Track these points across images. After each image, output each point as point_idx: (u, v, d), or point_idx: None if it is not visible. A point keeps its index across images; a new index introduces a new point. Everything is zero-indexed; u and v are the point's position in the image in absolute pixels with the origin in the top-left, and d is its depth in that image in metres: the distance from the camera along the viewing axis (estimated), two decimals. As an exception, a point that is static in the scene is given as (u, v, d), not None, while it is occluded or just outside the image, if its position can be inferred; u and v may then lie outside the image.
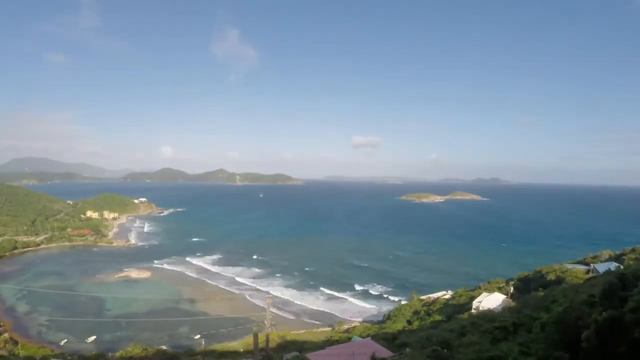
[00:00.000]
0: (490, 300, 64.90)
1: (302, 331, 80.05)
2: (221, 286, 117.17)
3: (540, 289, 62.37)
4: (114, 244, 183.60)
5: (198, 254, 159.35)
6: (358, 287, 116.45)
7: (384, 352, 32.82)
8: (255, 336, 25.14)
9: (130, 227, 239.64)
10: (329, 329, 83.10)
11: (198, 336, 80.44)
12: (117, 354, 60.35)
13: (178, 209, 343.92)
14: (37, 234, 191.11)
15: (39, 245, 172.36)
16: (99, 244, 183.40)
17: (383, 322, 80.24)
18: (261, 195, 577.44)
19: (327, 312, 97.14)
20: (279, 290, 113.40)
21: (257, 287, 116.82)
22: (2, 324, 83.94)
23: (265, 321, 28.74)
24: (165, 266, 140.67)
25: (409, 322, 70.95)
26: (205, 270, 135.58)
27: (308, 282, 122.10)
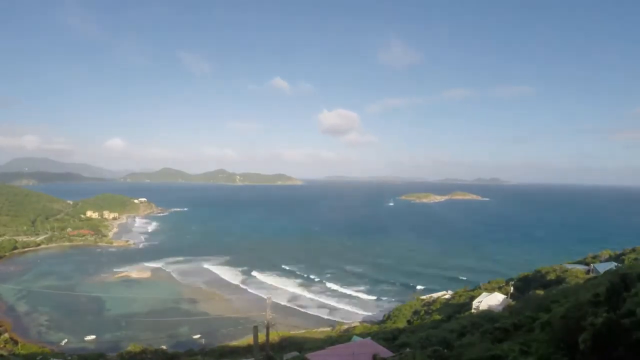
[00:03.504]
0: (490, 300, 65.03)
1: (302, 331, 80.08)
2: (221, 286, 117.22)
3: (540, 289, 62.41)
4: (114, 244, 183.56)
5: (198, 254, 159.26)
6: (359, 287, 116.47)
7: (384, 352, 32.79)
8: (256, 332, 25.09)
9: (130, 227, 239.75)
10: (329, 329, 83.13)
11: (198, 336, 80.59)
12: (117, 354, 60.34)
13: (178, 209, 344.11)
14: (37, 234, 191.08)
15: (39, 245, 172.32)
16: (99, 244, 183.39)
17: (383, 322, 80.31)
18: (391, 204, 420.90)
19: (327, 312, 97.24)
20: (279, 289, 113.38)
21: (258, 286, 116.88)
22: (2, 324, 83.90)
23: (265, 321, 28.70)
24: (166, 266, 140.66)
25: (409, 322, 70.99)
26: (206, 270, 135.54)
27: (309, 282, 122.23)
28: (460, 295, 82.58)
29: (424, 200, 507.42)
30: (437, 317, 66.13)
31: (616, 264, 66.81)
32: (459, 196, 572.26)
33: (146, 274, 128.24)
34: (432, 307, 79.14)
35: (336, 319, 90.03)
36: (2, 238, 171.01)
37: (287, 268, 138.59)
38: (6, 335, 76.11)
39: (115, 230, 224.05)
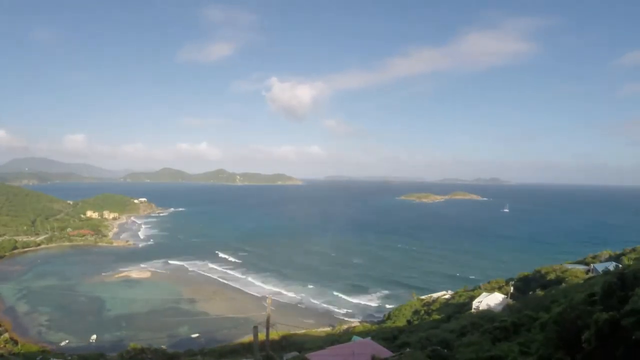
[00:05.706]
0: (490, 300, 65.02)
1: (302, 331, 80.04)
2: (222, 286, 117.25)
3: (540, 289, 62.38)
4: (114, 244, 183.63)
5: (198, 254, 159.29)
6: (359, 287, 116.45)
7: (384, 352, 32.75)
8: (256, 332, 25.14)
9: (130, 227, 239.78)
10: (329, 329, 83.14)
11: (197, 335, 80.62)
12: (117, 354, 60.28)
13: (178, 209, 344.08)
14: (37, 234, 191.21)
15: (39, 245, 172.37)
16: (99, 244, 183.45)
17: (383, 322, 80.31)
18: (506, 210, 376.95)
19: (327, 312, 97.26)
20: (279, 290, 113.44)
21: (258, 286, 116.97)
22: (2, 324, 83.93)
23: (265, 320, 28.77)
24: (166, 266, 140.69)
25: (409, 322, 70.92)
26: (206, 270, 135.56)
27: (309, 282, 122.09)
28: (460, 295, 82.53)
29: (424, 201, 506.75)
30: (437, 317, 66.10)
31: (616, 264, 66.75)
32: (459, 196, 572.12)
33: (146, 274, 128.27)
34: (432, 307, 79.10)
35: (336, 319, 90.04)
36: (2, 238, 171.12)
37: (289, 268, 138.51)
38: (6, 335, 76.13)
39: (115, 230, 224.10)
